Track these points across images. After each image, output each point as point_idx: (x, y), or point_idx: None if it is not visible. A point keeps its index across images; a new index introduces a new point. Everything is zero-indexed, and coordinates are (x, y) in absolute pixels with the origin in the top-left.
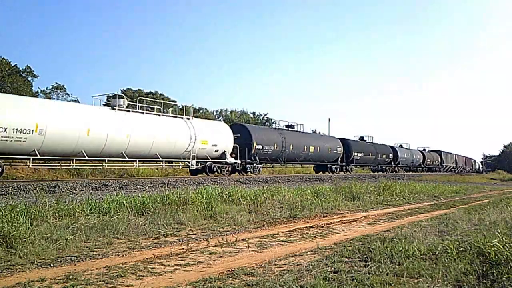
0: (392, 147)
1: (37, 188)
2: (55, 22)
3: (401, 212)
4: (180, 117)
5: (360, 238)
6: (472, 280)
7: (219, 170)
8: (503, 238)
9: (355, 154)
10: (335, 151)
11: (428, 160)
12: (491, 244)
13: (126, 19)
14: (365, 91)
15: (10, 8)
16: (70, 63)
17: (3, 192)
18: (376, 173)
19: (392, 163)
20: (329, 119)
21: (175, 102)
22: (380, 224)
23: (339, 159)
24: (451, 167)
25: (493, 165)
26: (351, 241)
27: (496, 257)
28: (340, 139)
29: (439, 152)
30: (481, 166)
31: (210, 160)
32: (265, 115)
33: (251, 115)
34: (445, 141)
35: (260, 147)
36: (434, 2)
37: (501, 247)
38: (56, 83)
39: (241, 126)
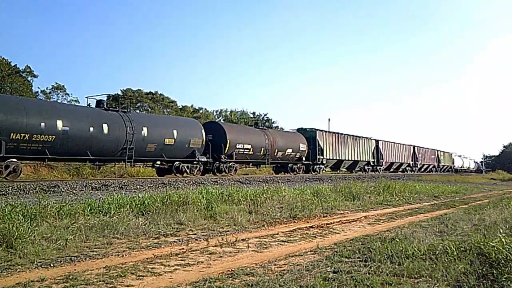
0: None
1: (37, 188)
2: (55, 22)
3: (401, 212)
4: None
5: (360, 238)
6: (472, 280)
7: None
8: (503, 238)
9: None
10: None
11: (242, 147)
12: (491, 244)
13: (126, 19)
14: (366, 92)
15: (10, 8)
16: (70, 63)
17: (3, 192)
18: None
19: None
20: (329, 119)
21: (175, 102)
22: (380, 224)
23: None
24: (361, 165)
25: (493, 165)
26: (351, 241)
27: (496, 257)
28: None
29: (310, 133)
30: (473, 163)
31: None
32: (265, 115)
33: (251, 115)
34: (446, 142)
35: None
36: (433, 3)
37: (501, 247)
38: (56, 83)
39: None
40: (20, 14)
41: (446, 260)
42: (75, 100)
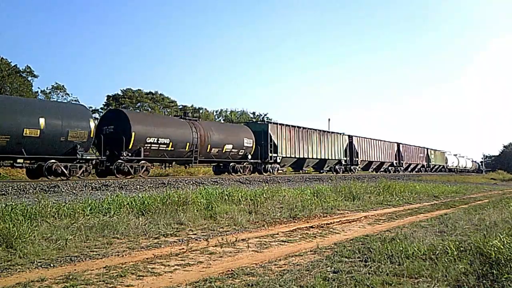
0: None
1: (37, 188)
2: (55, 22)
3: (401, 212)
4: None
5: (360, 238)
6: (472, 280)
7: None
8: (504, 238)
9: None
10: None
11: None
12: (491, 244)
13: (126, 19)
14: (366, 92)
15: (10, 8)
16: (70, 63)
17: (3, 192)
18: None
19: None
20: (329, 119)
21: (175, 102)
22: (380, 224)
23: (249, 155)
24: (330, 164)
25: (493, 165)
26: (351, 241)
27: (496, 257)
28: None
29: (260, 126)
30: (470, 162)
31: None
32: (265, 115)
33: (251, 115)
34: (446, 142)
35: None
36: (432, 3)
37: (501, 247)
38: (56, 83)
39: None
40: (20, 14)
41: (446, 260)
42: (75, 100)
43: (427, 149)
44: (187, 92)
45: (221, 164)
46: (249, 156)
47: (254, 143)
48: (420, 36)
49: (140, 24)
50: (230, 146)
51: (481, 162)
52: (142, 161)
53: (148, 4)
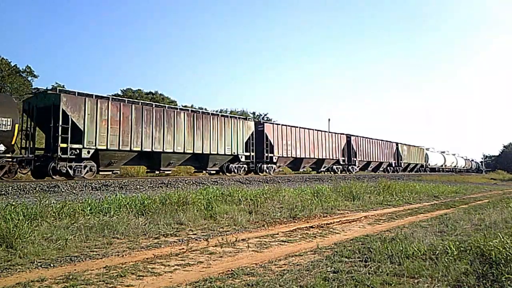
0: None
1: (37, 188)
2: (55, 22)
3: (401, 212)
4: None
5: (360, 238)
6: (472, 280)
7: None
8: (504, 238)
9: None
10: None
11: None
12: (491, 244)
13: (127, 19)
14: (366, 92)
15: (10, 8)
16: (70, 63)
17: (3, 192)
18: None
19: None
20: (329, 119)
21: (175, 102)
22: (380, 224)
23: (1, 146)
24: (219, 162)
25: (493, 165)
26: (351, 241)
27: (496, 257)
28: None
29: (46, 99)
30: (462, 161)
31: None
32: (265, 115)
33: (251, 115)
34: (446, 141)
35: None
36: (431, 3)
37: (501, 247)
38: (56, 83)
39: None
40: (20, 14)
41: (446, 260)
42: None
43: (397, 143)
44: (187, 92)
45: None
46: (2, 148)
47: (17, 125)
48: (420, 36)
49: (140, 24)
50: None
51: (481, 162)
52: None
53: (148, 4)
